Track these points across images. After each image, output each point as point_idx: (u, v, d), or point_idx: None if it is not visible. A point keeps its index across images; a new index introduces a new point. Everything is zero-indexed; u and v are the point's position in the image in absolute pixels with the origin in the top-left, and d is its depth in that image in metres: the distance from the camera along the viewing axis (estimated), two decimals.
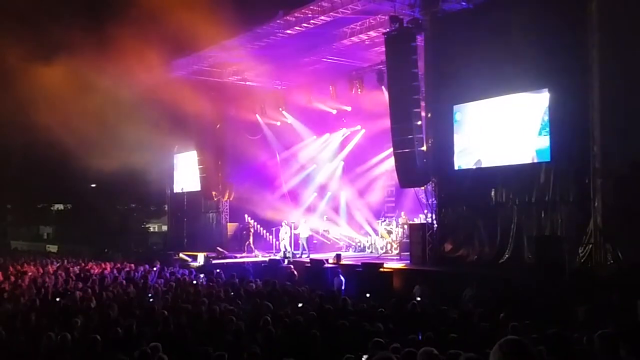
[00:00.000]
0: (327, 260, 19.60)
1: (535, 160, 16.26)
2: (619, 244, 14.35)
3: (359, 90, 24.25)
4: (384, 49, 19.05)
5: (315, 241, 25.37)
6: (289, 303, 12.50)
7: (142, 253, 28.25)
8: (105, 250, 28.29)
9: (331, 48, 22.56)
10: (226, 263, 22.27)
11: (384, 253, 22.51)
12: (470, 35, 17.35)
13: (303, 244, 23.08)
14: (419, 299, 13.57)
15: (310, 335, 9.01)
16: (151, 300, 13.02)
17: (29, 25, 23.58)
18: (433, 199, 18.86)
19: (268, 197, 27.80)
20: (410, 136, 18.27)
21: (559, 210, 15.78)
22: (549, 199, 15.96)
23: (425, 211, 19.38)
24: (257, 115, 28.57)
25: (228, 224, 28.65)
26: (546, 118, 15.89)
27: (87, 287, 15.27)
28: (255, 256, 23.75)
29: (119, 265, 21.96)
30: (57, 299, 12.54)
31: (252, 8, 20.75)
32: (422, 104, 18.72)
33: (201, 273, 19.55)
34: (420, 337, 8.81)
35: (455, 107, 18.23)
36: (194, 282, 16.89)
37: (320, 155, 28.16)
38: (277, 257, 22.04)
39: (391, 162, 20.42)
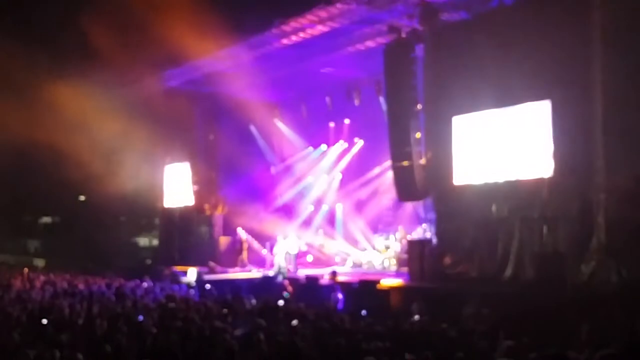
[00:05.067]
0: (322, 276, 19.25)
1: (537, 175, 15.94)
2: (622, 261, 14.02)
3: (357, 101, 24.06)
4: (382, 59, 18.80)
5: (310, 257, 25.01)
6: (283, 320, 12.13)
7: (132, 268, 27.73)
8: (89, 265, 27.79)
9: (328, 58, 22.34)
10: (218, 278, 21.87)
11: (381, 269, 22.16)
12: (470, 45, 17.08)
13: (291, 260, 22.67)
14: (417, 316, 13.29)
15: (304, 354, 8.73)
16: (140, 316, 12.62)
17: (19, 37, 23.35)
18: (432, 213, 18.54)
19: (262, 210, 27.53)
20: (408, 149, 18.05)
21: (562, 226, 15.41)
22: (551, 214, 15.61)
23: (424, 226, 19.07)
24: (251, 126, 28.32)
25: (220, 237, 28.20)
26: (548, 131, 15.60)
27: (75, 303, 14.97)
28: (249, 271, 23.34)
29: (107, 280, 21.54)
30: (44, 320, 12.11)
31: (247, 17, 20.58)
32: (421, 115, 18.48)
33: (192, 289, 19.17)
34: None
35: (455, 119, 17.94)
36: (185, 298, 16.48)
37: (317, 167, 27.87)
38: (271, 273, 21.62)
39: (389, 175, 20.15)
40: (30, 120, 22.82)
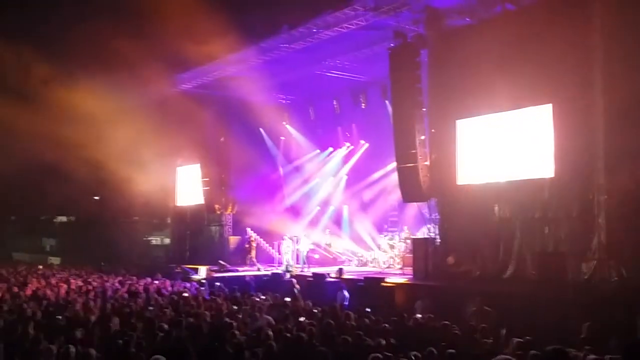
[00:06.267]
0: (329, 274, 19.55)
1: (539, 176, 16.22)
2: (623, 261, 14.25)
3: (363, 104, 24.33)
4: (388, 63, 19.10)
5: (317, 255, 25.31)
6: (290, 317, 12.42)
7: (144, 266, 28.15)
8: (102, 264, 28.22)
9: (335, 62, 22.70)
10: (228, 276, 22.20)
11: (386, 267, 22.42)
12: (474, 50, 17.36)
13: (302, 258, 23.05)
14: (419, 315, 13.42)
15: (311, 351, 8.95)
16: (152, 313, 12.93)
17: (35, 37, 23.75)
18: (436, 214, 18.81)
19: (271, 210, 27.83)
20: (413, 151, 18.32)
21: (563, 226, 15.70)
22: (552, 214, 15.90)
23: (428, 226, 19.31)
24: (260, 129, 28.70)
25: (230, 237, 28.63)
26: (550, 133, 15.88)
27: (89, 300, 15.27)
28: (258, 270, 23.67)
29: (120, 278, 21.89)
30: (59, 317, 12.40)
31: (257, 23, 20.86)
32: (426, 118, 18.74)
33: (203, 286, 19.48)
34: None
35: (459, 122, 18.24)
36: (196, 295, 16.80)
37: (324, 169, 28.18)
38: (279, 271, 21.97)
39: (394, 177, 20.41)
40: (46, 122, 23.16)
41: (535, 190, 16.24)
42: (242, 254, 26.55)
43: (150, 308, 13.92)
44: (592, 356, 7.98)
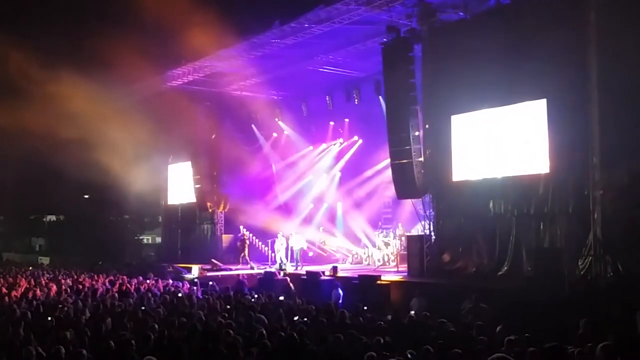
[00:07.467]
0: (323, 272, 19.42)
1: (534, 172, 16.13)
2: (618, 256, 14.24)
3: (356, 100, 24.22)
4: (381, 59, 18.96)
5: (311, 253, 25.19)
6: (284, 316, 12.29)
7: (136, 265, 27.96)
8: (100, 263, 28.00)
9: (328, 58, 22.54)
10: (221, 275, 22.05)
11: (381, 265, 22.33)
12: (468, 45, 17.24)
13: (296, 256, 22.92)
14: (412, 312, 13.38)
15: (306, 349, 8.84)
16: (144, 313, 12.76)
17: (25, 35, 23.53)
18: (431, 211, 18.72)
19: (263, 208, 27.69)
20: (407, 147, 18.21)
21: (558, 222, 15.65)
22: (547, 210, 15.83)
23: (423, 223, 19.20)
24: (252, 125, 28.52)
25: (223, 235, 28.47)
26: (545, 129, 15.78)
27: (80, 300, 15.09)
28: (251, 268, 23.52)
29: (111, 277, 21.69)
30: (49, 318, 12.20)
31: (248, 18, 20.74)
32: (420, 114, 18.63)
33: (195, 285, 19.33)
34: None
35: (454, 118, 18.12)
36: (188, 294, 16.63)
37: (317, 166, 28.05)
38: (273, 269, 21.83)
39: (388, 173, 20.30)
40: (36, 121, 22.98)
41: (530, 186, 16.17)
42: (235, 253, 26.36)
43: (143, 308, 13.76)
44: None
